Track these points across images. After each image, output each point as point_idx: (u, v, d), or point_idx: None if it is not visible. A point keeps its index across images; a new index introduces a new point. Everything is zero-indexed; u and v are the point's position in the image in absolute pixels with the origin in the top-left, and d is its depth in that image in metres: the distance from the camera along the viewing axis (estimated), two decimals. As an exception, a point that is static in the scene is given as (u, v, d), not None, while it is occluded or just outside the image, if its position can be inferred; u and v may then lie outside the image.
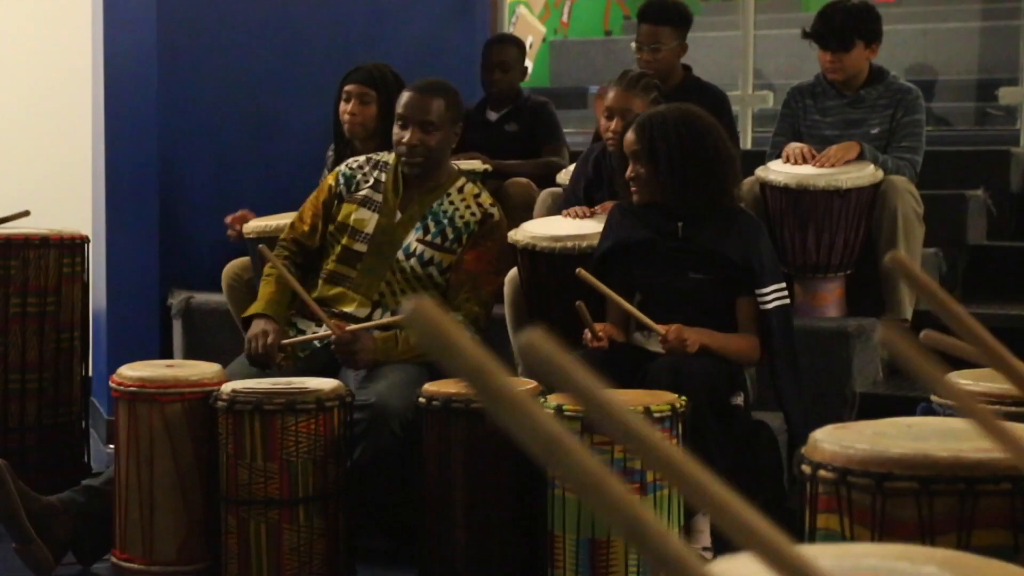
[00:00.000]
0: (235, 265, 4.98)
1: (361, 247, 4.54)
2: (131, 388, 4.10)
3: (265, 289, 4.50)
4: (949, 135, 7.14)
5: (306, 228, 4.65)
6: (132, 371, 4.18)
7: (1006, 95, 6.51)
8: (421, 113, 4.48)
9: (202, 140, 5.79)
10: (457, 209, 4.57)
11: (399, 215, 4.57)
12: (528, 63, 9.48)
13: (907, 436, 2.53)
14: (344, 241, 4.58)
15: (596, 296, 4.11)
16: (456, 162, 5.27)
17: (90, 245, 5.27)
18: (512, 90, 6.08)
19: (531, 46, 9.58)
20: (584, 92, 9.42)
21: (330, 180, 4.71)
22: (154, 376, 4.14)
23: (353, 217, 4.59)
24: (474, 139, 5.93)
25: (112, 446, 4.29)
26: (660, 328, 3.98)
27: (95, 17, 5.68)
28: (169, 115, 5.71)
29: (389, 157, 4.67)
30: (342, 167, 4.71)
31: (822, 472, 2.46)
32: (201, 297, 5.40)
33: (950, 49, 8.18)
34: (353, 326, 4.36)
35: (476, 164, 5.42)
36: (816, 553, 1.89)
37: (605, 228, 4.36)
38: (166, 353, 5.41)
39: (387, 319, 4.40)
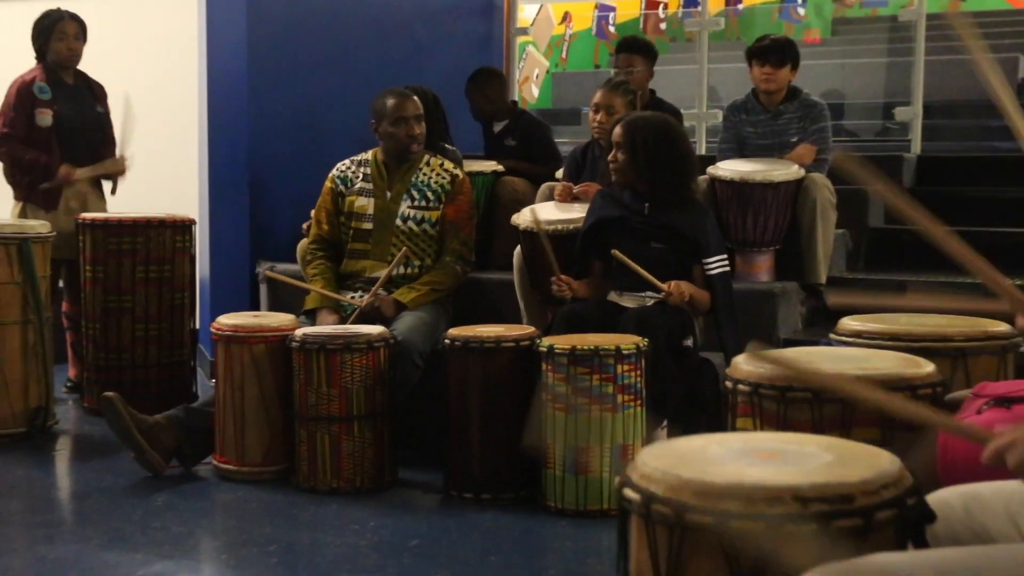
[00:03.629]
0: (305, 243, 5.03)
1: (368, 225, 4.61)
2: (227, 332, 4.17)
3: (316, 286, 4.58)
4: (858, 144, 7.18)
5: (326, 227, 4.73)
6: (228, 320, 4.25)
7: (900, 113, 6.54)
8: (415, 110, 4.61)
9: (280, 147, 5.80)
10: (431, 177, 4.65)
11: (389, 194, 4.64)
12: (535, 89, 9.55)
13: (814, 360, 2.58)
14: (354, 224, 4.65)
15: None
16: (472, 163, 5.38)
17: (196, 226, 5.32)
18: (499, 110, 5.97)
19: (537, 76, 9.56)
20: (579, 112, 9.43)
21: (329, 185, 4.74)
22: (244, 323, 4.21)
23: (356, 205, 4.65)
24: (485, 144, 6.02)
25: (214, 380, 4.35)
26: (663, 285, 4.02)
27: (200, 54, 5.70)
28: (256, 127, 5.73)
29: (367, 155, 4.73)
30: (335, 172, 4.76)
31: (740, 386, 2.50)
32: (281, 267, 5.39)
33: (861, 78, 8.20)
34: (368, 297, 4.44)
35: (488, 165, 5.49)
36: (730, 438, 1.98)
37: (590, 209, 4.37)
38: (254, 309, 5.42)
39: (385, 272, 4.48)
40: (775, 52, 5.24)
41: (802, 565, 1.45)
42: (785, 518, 1.63)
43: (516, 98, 7.34)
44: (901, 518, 1.67)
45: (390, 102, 4.60)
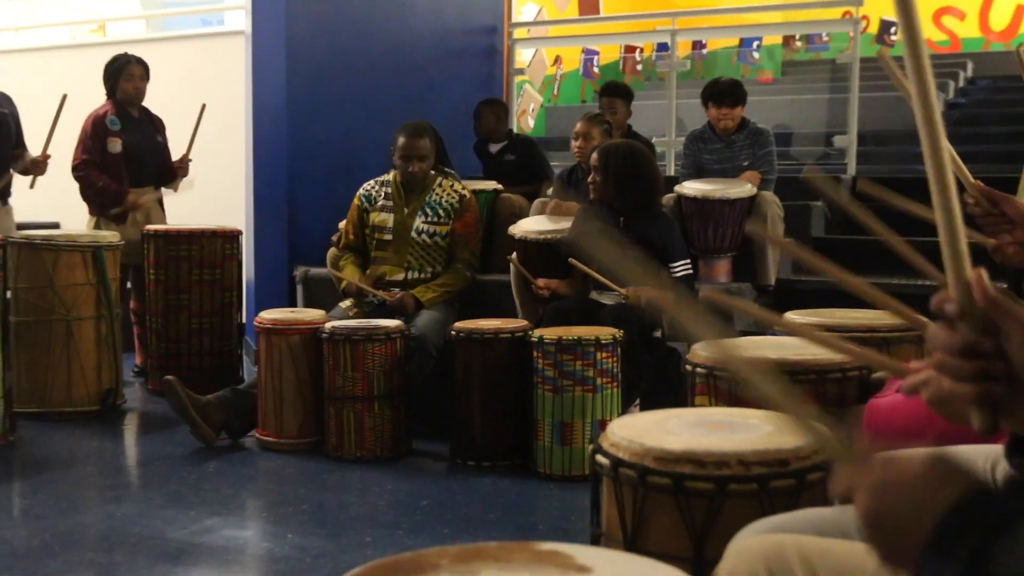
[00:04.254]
0: (334, 251, 5.04)
1: (388, 236, 4.59)
2: (268, 325, 4.17)
3: (348, 271, 4.61)
4: (802, 167, 7.16)
5: (352, 238, 4.73)
6: (268, 315, 4.24)
7: (839, 141, 6.53)
8: (418, 150, 4.55)
9: (314, 170, 5.78)
10: (442, 197, 4.62)
11: (406, 211, 4.61)
12: (531, 121, 9.54)
13: (753, 347, 2.59)
14: (376, 236, 4.64)
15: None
16: (475, 183, 5.37)
17: (243, 236, 5.32)
18: (499, 132, 5.99)
19: (533, 110, 9.57)
20: (568, 140, 9.39)
21: (356, 202, 4.72)
22: (282, 318, 4.20)
23: (378, 219, 4.64)
24: (484, 166, 6.03)
25: (257, 365, 4.35)
26: (623, 289, 4.03)
27: (247, 92, 5.69)
28: (294, 153, 5.71)
29: (388, 177, 4.70)
30: (361, 191, 4.74)
31: (698, 369, 2.50)
32: (313, 271, 5.40)
33: (807, 112, 8.18)
34: (394, 291, 4.47)
35: (490, 184, 5.49)
36: (687, 413, 1.97)
37: (573, 223, 4.39)
38: (291, 306, 5.41)
39: (412, 277, 4.52)
40: (730, 95, 5.25)
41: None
42: (730, 479, 1.64)
43: (515, 128, 7.35)
44: (829, 478, 1.68)
45: (400, 140, 4.58)
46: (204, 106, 5.38)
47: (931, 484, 0.86)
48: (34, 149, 5.23)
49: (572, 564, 1.25)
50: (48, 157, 5.16)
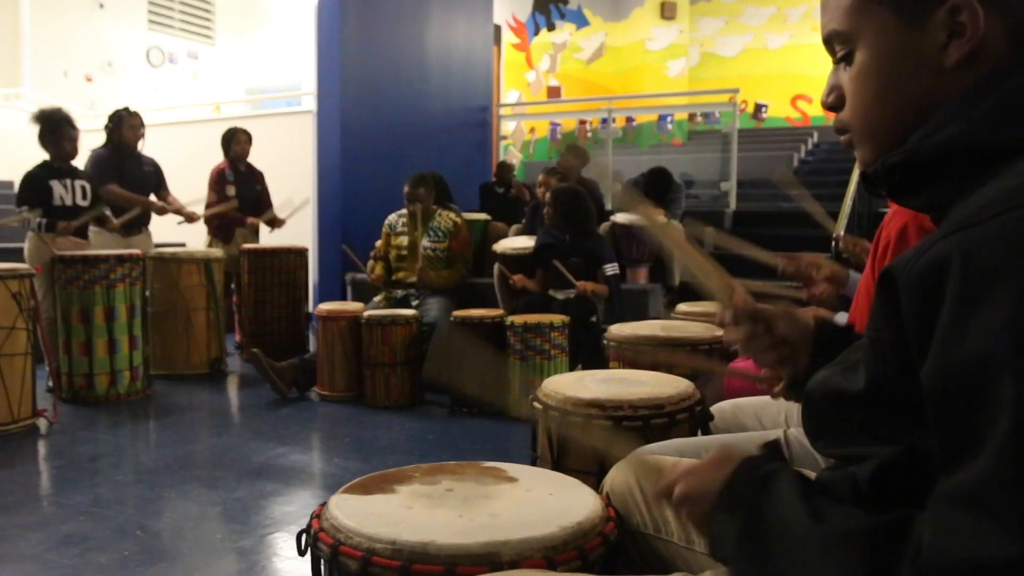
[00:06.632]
0: (372, 262, 5.02)
1: (405, 252, 4.54)
2: (325, 314, 4.12)
3: (378, 271, 4.57)
4: (700, 205, 7.16)
5: (381, 253, 4.68)
6: (326, 306, 4.19)
7: (724, 186, 6.56)
8: (415, 197, 4.48)
9: (359, 206, 5.75)
10: (440, 223, 4.55)
11: (417, 233, 4.56)
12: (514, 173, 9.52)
13: (652, 328, 2.58)
14: (396, 252, 4.59)
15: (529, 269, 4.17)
16: (472, 214, 5.34)
17: (309, 252, 5.29)
18: (509, 179, 6.18)
19: (515, 164, 9.58)
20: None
21: (384, 229, 4.67)
22: (335, 308, 4.16)
23: (398, 241, 4.59)
24: (492, 202, 6.06)
25: (317, 341, 4.33)
26: (577, 283, 4.01)
27: (313, 152, 5.71)
28: (346, 195, 5.68)
29: (404, 211, 4.62)
30: (387, 221, 4.67)
31: (611, 343, 2.50)
32: (359, 276, 5.39)
33: (704, 166, 8.18)
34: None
35: (482, 216, 5.48)
36: (598, 373, 1.96)
37: (536, 240, 4.39)
38: (342, 300, 5.37)
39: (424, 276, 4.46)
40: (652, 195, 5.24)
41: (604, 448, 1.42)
42: (623, 418, 1.64)
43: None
44: (692, 418, 1.68)
45: (405, 188, 4.54)
46: (307, 199, 5.34)
47: (715, 467, 0.85)
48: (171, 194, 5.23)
49: (504, 476, 1.26)
50: (197, 215, 5.13)
